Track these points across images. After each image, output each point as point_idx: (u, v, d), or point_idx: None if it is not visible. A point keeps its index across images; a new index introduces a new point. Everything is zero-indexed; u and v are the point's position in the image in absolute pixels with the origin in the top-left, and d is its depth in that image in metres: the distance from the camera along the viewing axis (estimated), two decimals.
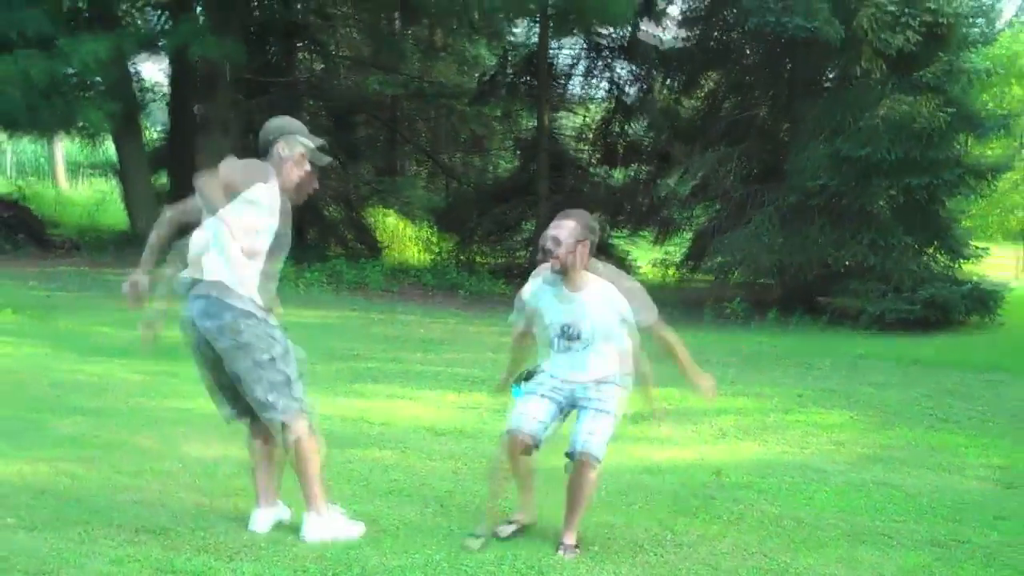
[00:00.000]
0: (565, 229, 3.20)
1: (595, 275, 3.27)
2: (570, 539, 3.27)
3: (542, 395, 3.24)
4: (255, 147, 3.25)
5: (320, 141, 3.23)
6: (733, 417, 5.68)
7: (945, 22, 11.21)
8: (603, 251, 14.28)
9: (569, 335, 3.24)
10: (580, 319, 3.22)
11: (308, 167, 3.19)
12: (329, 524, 3.24)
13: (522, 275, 3.49)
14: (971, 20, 12.16)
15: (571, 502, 3.25)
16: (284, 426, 3.13)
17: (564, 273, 3.22)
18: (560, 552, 3.24)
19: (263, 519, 3.31)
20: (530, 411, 3.21)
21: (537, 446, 3.22)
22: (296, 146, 3.13)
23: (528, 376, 3.36)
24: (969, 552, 3.50)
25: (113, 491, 3.65)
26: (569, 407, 3.31)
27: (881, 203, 11.59)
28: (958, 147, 11.74)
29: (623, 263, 14.38)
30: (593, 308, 3.22)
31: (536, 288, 3.32)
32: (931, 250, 11.61)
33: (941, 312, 10.65)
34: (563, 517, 3.29)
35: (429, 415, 5.32)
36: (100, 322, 7.92)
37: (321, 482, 3.24)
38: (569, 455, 3.20)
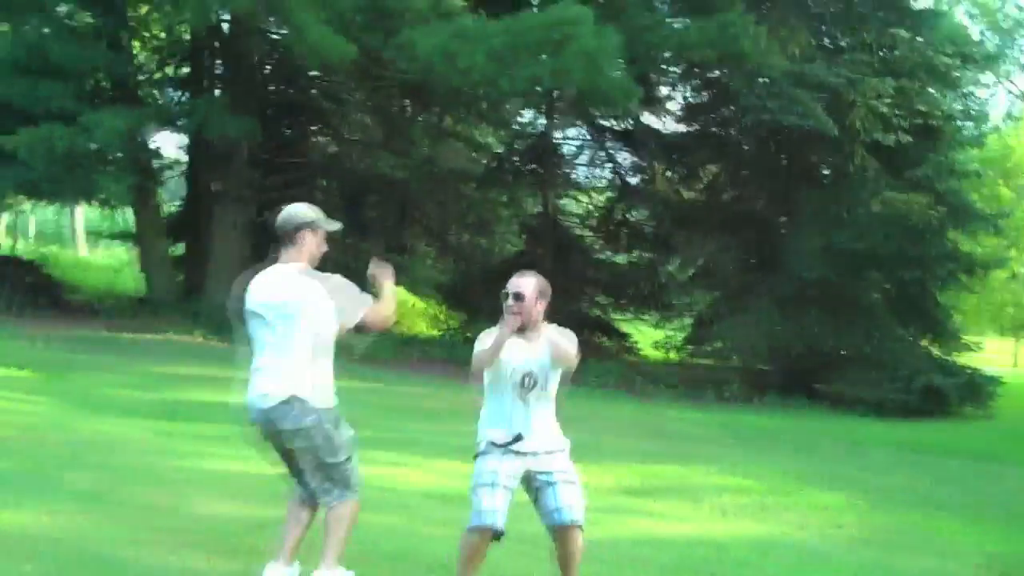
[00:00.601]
0: (528, 286, 3.33)
1: (547, 331, 3.37)
2: None
3: (504, 486, 3.28)
4: (268, 223, 3.54)
5: (337, 225, 3.52)
6: (733, 495, 5.75)
7: (935, 124, 11.77)
8: (606, 331, 14.50)
9: (527, 384, 3.32)
10: (538, 368, 3.32)
11: (325, 246, 3.49)
12: None
13: None
14: (960, 123, 12.75)
15: (567, 570, 3.32)
16: (332, 506, 3.34)
17: (524, 329, 3.31)
18: None
19: (275, 575, 3.38)
20: (498, 505, 3.24)
21: (499, 538, 3.28)
22: (318, 230, 3.45)
23: (477, 455, 3.36)
24: None
25: (124, 546, 3.71)
26: (517, 485, 3.35)
27: (875, 295, 11.89)
28: (949, 243, 12.12)
29: (624, 344, 14.55)
30: (548, 356, 3.32)
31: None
32: (925, 341, 11.84)
33: (936, 401, 10.79)
34: None
35: (434, 482, 5.40)
36: (115, 383, 8.04)
37: (345, 544, 3.33)
38: (557, 528, 3.27)
